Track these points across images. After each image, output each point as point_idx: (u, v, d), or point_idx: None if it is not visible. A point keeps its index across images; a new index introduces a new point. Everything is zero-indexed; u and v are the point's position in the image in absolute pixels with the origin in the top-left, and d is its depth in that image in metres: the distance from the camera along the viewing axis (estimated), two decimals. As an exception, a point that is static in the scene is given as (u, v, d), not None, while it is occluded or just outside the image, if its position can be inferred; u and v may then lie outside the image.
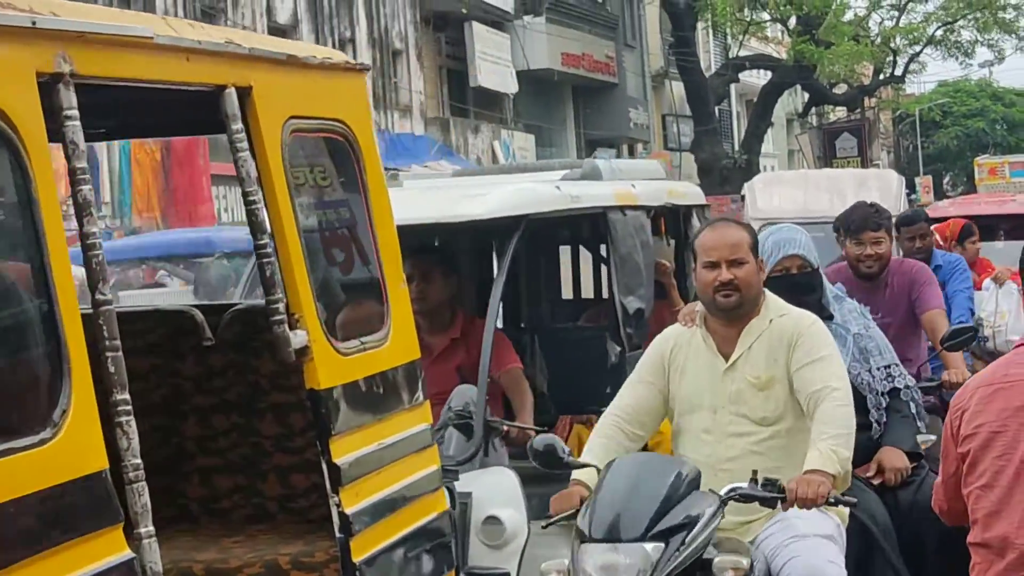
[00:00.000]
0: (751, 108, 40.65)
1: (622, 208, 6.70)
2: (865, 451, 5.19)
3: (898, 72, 39.04)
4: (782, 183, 14.70)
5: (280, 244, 4.10)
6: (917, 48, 37.62)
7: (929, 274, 6.92)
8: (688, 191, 7.98)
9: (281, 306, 4.04)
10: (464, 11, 28.51)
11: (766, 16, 35.89)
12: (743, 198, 13.98)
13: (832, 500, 4.34)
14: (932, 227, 8.79)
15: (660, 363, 4.84)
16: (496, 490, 5.58)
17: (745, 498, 4.39)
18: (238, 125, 3.98)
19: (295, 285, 4.11)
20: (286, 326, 4.04)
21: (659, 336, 4.96)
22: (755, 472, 4.39)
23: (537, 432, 5.40)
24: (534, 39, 31.00)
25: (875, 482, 5.22)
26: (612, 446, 4.73)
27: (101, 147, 18.79)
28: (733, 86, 41.03)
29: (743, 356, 4.72)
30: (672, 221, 7.66)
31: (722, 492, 4.39)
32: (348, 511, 4.17)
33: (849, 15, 36.68)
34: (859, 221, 6.70)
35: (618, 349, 6.59)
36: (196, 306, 4.99)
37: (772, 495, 4.36)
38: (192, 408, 5.04)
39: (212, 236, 15.52)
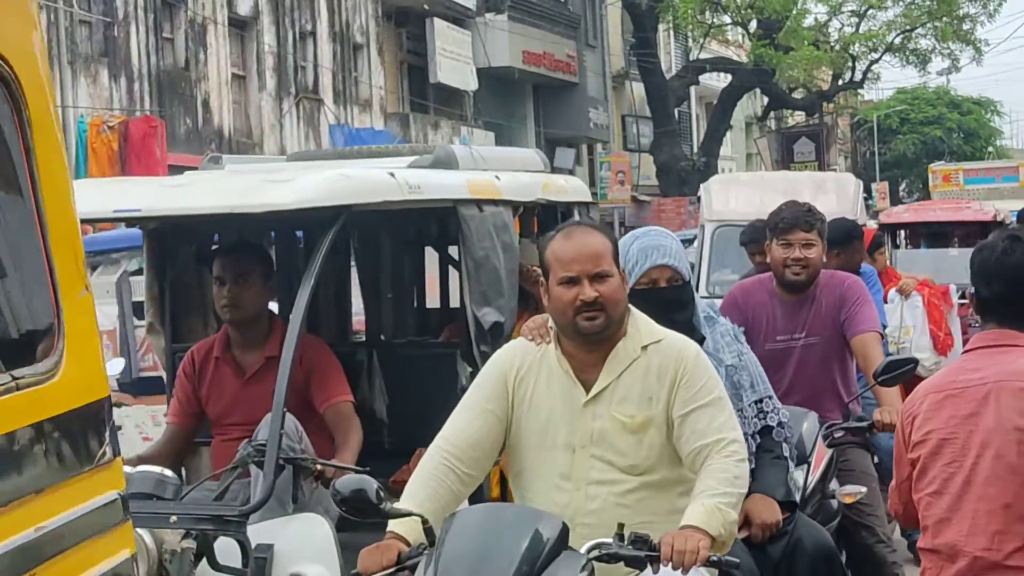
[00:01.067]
0: (711, 110, 40.82)
1: (478, 202, 5.71)
2: None
3: (857, 78, 39.33)
4: (739, 184, 14.69)
5: None
6: (876, 55, 37.90)
7: (863, 291, 5.95)
8: (570, 186, 6.86)
9: None
10: (426, 7, 28.47)
11: (727, 19, 36.07)
12: (700, 199, 13.99)
13: (713, 559, 3.61)
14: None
15: (502, 387, 3.95)
16: (304, 542, 4.68)
17: (610, 558, 3.61)
18: None
19: None
20: None
21: (499, 353, 4.06)
22: (621, 526, 3.61)
23: (358, 472, 4.71)
24: (495, 36, 30.99)
25: (740, 536, 4.34)
26: (440, 491, 3.84)
27: (57, 135, 18.61)
28: (693, 88, 41.19)
29: (610, 388, 3.90)
30: (548, 220, 6.54)
31: (583, 550, 3.61)
32: None
33: (809, 20, 36.93)
34: (790, 219, 5.83)
35: (469, 370, 5.55)
36: None
37: (642, 553, 3.59)
38: None
39: None
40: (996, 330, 3.72)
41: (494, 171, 6.17)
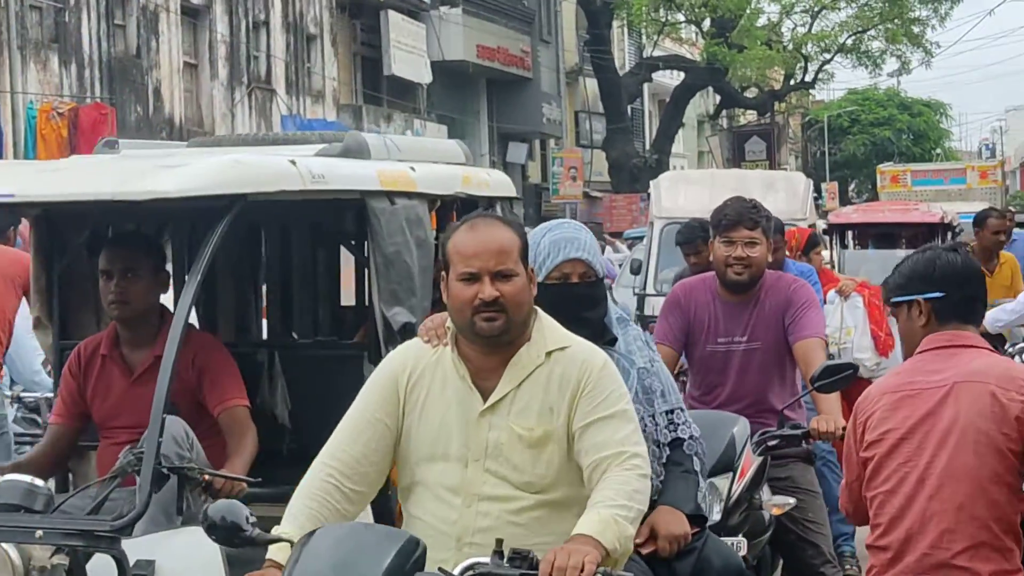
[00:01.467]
0: (663, 108, 40.97)
1: (390, 194, 5.34)
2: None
3: (808, 78, 39.55)
4: (688, 182, 14.71)
5: None
6: (828, 55, 38.14)
7: (810, 293, 5.71)
8: (493, 179, 6.41)
9: None
10: (381, -1, 28.44)
11: (681, 17, 36.19)
12: (650, 196, 14.04)
13: (601, 573, 3.31)
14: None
15: (392, 393, 3.65)
16: (189, 558, 4.31)
17: None
18: None
19: None
20: None
21: (390, 356, 3.76)
22: (500, 542, 3.32)
23: (250, 483, 4.41)
24: (450, 30, 30.96)
25: (645, 551, 4.13)
26: (323, 512, 3.54)
27: (6, 121, 18.49)
28: (646, 85, 41.32)
29: (508, 397, 3.59)
30: (467, 214, 6.09)
31: (456, 571, 3.34)
32: None
33: (763, 20, 37.10)
34: (733, 216, 5.57)
35: None
36: None
37: (520, 571, 3.29)
38: None
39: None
40: (950, 331, 3.79)
41: (410, 162, 5.78)
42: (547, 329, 3.67)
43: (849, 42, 37.40)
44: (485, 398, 3.60)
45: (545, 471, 3.58)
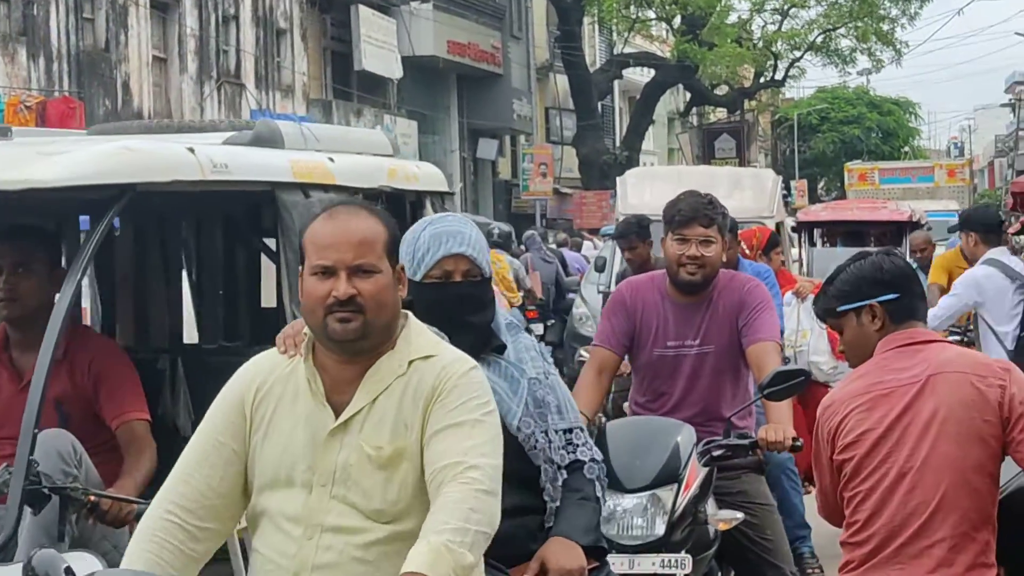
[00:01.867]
0: (633, 105, 41.00)
1: (304, 187, 4.98)
2: (529, 541, 3.77)
3: (778, 76, 39.68)
4: (655, 178, 14.58)
5: None
6: (798, 53, 38.27)
7: (764, 294, 5.34)
8: (422, 172, 5.98)
9: None
10: (351, -6, 28.37)
11: (652, 14, 36.26)
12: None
13: None
14: (738, 234, 7.82)
15: (239, 412, 3.17)
16: None
17: None
18: None
19: None
20: None
21: (240, 370, 3.28)
22: None
23: (139, 504, 4.04)
24: (420, 25, 30.91)
25: None
26: (163, 554, 3.08)
27: (-28, 114, 18.36)
28: (617, 82, 41.39)
29: (364, 413, 3.11)
30: (395, 211, 5.35)
31: None
32: None
33: (733, 17, 37.21)
34: (687, 212, 5.19)
35: None
36: None
37: None
38: None
39: None
40: (908, 329, 3.84)
41: (329, 152, 5.41)
42: (415, 336, 3.19)
43: (819, 40, 37.55)
44: (338, 414, 3.12)
45: (397, 496, 3.08)
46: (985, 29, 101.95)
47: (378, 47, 29.11)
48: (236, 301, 6.00)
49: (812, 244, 16.65)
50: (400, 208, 5.64)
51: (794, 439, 4.96)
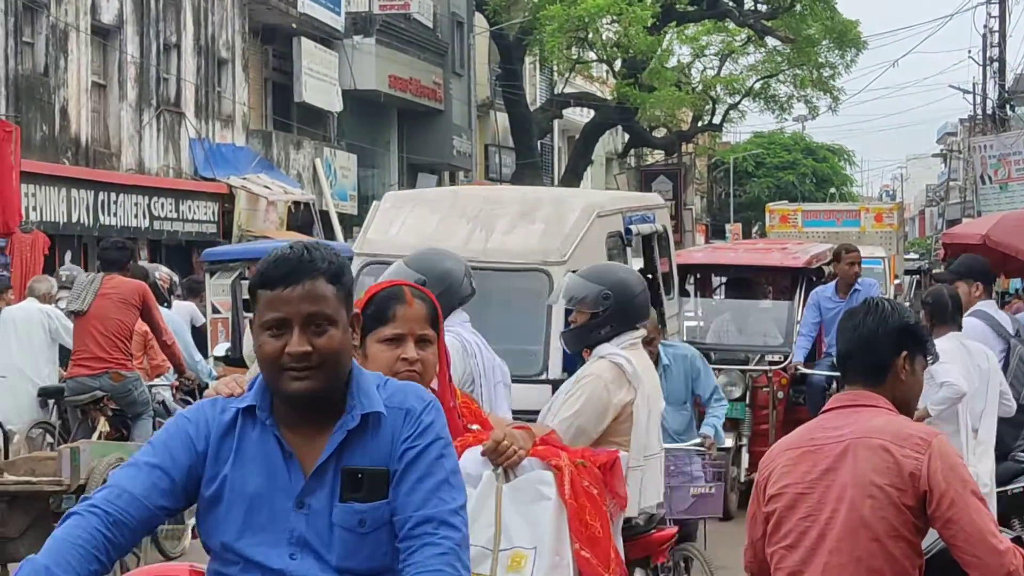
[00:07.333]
0: (573, 145, 41.19)
1: None
2: None
3: (716, 120, 40.05)
4: (420, 203, 9.74)
5: None
6: (736, 98, 38.66)
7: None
8: None
9: None
10: (294, 26, 28.32)
11: (593, 56, 36.47)
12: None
13: None
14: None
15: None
16: None
17: None
18: None
19: None
20: None
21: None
22: None
23: None
24: (362, 59, 30.93)
25: None
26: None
27: (-93, 135, 18.14)
28: (556, 122, 41.55)
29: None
30: None
31: None
32: None
33: (673, 61, 37.52)
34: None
35: None
36: None
37: None
38: None
39: None
40: (853, 391, 3.87)
41: None
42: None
43: (757, 86, 37.94)
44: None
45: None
46: (919, 81, 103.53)
47: (319, 80, 29.09)
48: None
49: (684, 294, 12.77)
50: None
51: None
